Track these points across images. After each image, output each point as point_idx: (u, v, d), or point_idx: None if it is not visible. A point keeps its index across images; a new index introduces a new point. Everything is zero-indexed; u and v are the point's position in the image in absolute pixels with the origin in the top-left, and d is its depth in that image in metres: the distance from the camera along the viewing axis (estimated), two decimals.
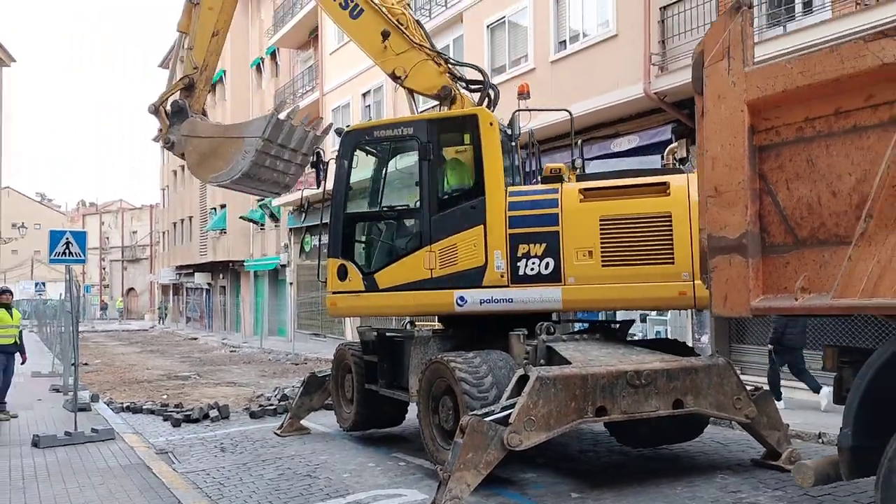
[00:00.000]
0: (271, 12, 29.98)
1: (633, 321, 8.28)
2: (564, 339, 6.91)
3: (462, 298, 7.09)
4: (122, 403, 12.16)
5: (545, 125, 10.90)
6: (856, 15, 8.71)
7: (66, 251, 12.11)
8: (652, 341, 7.92)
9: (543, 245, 6.93)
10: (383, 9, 8.35)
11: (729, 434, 8.35)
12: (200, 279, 39.78)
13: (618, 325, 7.83)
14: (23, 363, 11.76)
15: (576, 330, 7.73)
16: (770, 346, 9.19)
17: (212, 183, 8.87)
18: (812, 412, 8.90)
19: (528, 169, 8.72)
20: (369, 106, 21.68)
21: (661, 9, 11.38)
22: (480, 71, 8.72)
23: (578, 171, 7.56)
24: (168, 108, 9.01)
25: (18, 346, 11.26)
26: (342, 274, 7.72)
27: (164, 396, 13.07)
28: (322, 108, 24.13)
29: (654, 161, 11.08)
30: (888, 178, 3.49)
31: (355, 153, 7.88)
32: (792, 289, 3.91)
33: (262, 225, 31.61)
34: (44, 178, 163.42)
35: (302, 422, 9.42)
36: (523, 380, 5.89)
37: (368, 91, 21.66)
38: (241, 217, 32.09)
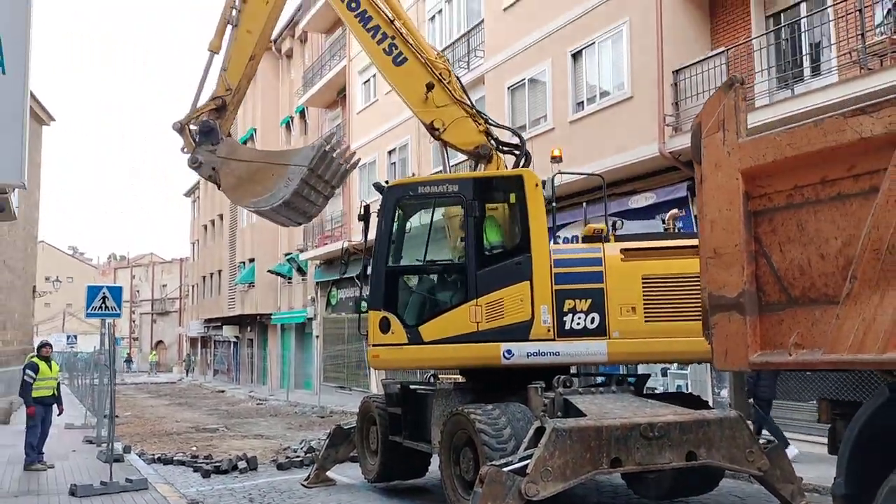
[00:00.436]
0: (301, 72, 31.22)
1: (649, 375, 8.49)
2: (581, 392, 7.15)
3: (509, 352, 7.36)
4: (153, 455, 12.49)
5: (560, 184, 11.29)
6: (860, 79, 9.06)
7: (103, 305, 12.68)
8: (667, 395, 8.09)
9: (589, 301, 7.42)
10: (427, 61, 8.73)
11: (746, 488, 8.42)
12: (228, 332, 40.38)
13: (635, 379, 8.06)
14: (59, 414, 12.18)
15: (593, 383, 7.94)
16: (750, 399, 9.33)
17: (249, 208, 8.70)
18: (827, 465, 8.92)
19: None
20: (395, 163, 22.36)
21: (673, 72, 11.86)
22: (518, 136, 9.10)
23: (616, 231, 8.15)
24: (192, 126, 8.81)
25: (56, 398, 11.71)
26: (385, 326, 7.71)
27: (194, 448, 13.37)
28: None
29: (656, 225, 11.42)
30: (869, 242, 3.78)
31: (397, 208, 8.06)
32: (786, 344, 4.18)
33: (290, 279, 32.22)
34: (75, 231, 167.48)
35: (328, 473, 9.65)
36: (540, 431, 6.12)
37: (394, 149, 22.37)
38: (268, 270, 32.78)
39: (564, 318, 7.39)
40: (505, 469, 5.89)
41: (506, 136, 9.32)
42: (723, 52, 11.23)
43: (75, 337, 41.42)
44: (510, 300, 7.42)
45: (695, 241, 7.14)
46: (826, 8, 10.18)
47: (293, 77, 33.02)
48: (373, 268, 8.01)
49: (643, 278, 7.42)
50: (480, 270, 7.55)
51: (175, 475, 10.77)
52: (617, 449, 6.13)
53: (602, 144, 13.14)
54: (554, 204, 8.61)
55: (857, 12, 9.34)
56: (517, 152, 8.99)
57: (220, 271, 40.47)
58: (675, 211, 9.52)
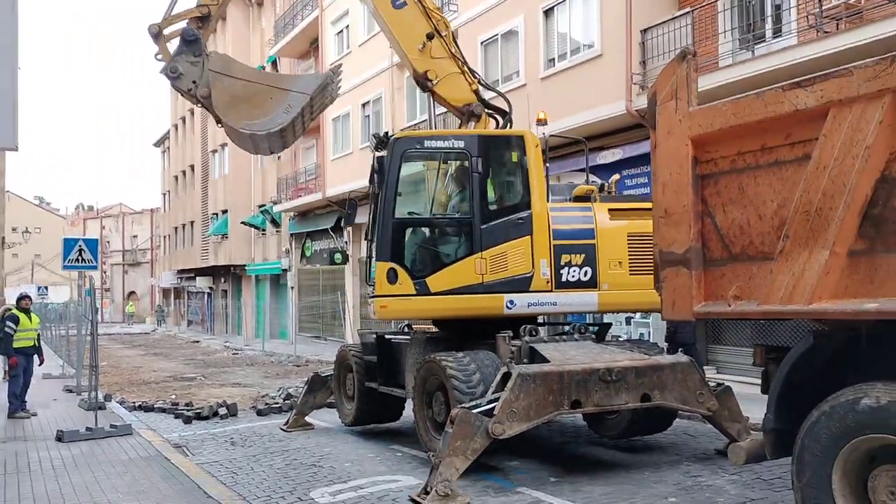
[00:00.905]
0: (272, 21, 30.74)
1: (610, 324, 9.01)
2: (546, 340, 7.62)
3: (511, 302, 7.83)
4: (134, 403, 12.86)
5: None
6: (817, 42, 9.44)
7: (79, 258, 12.84)
8: (626, 342, 8.60)
9: (582, 256, 8.03)
10: (427, 10, 8.69)
11: (699, 427, 9.05)
12: (202, 283, 40.49)
13: (597, 328, 8.58)
14: (40, 364, 12.48)
15: (558, 332, 8.44)
16: (666, 342, 9.90)
17: (244, 129, 8.01)
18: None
19: None
20: (368, 116, 22.42)
21: (641, 31, 12.13)
22: (506, 100, 9.15)
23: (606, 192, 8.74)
24: (166, 33, 8.10)
25: (37, 349, 11.98)
26: (392, 277, 7.79)
27: (173, 396, 13.76)
28: (322, 118, 24.83)
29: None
30: (801, 204, 4.20)
31: (402, 160, 8.01)
32: (727, 297, 4.62)
33: (264, 230, 32.33)
34: (42, 181, 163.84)
35: (306, 418, 10.12)
36: (507, 376, 6.60)
37: (368, 102, 22.40)
38: (242, 222, 32.83)
39: (561, 272, 7.96)
40: (474, 411, 6.37)
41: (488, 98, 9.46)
42: (688, 12, 11.51)
43: (46, 288, 41.31)
44: (513, 254, 7.86)
45: None
46: None
47: (264, 26, 32.49)
48: (380, 219, 7.99)
49: (628, 235, 8.08)
50: (485, 225, 7.88)
51: (157, 422, 11.17)
52: (577, 391, 6.65)
53: (573, 101, 13.43)
54: (548, 165, 8.86)
55: None
56: (498, 117, 9.15)
57: (192, 222, 40.35)
58: (616, 176, 10.01)
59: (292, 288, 29.12)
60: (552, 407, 6.56)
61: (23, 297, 12.22)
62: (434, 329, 8.89)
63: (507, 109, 9.10)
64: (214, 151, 36.22)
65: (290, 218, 29.03)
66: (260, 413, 11.43)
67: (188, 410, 11.52)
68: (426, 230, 8.30)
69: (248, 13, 34.30)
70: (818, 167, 4.11)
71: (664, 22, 11.85)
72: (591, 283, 8.05)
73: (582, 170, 13.22)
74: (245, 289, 35.31)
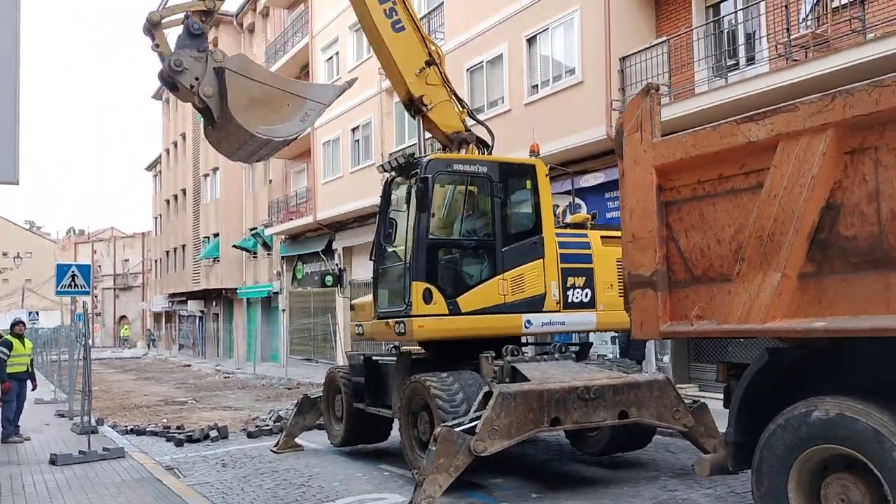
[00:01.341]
0: (263, 48, 31.19)
1: (591, 343, 9.28)
2: (527, 360, 7.88)
3: (529, 321, 8.22)
4: (126, 426, 12.98)
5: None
6: (786, 70, 9.82)
7: (72, 283, 13.03)
8: (605, 361, 8.84)
9: (584, 278, 8.57)
10: (424, 37, 8.96)
11: (679, 443, 9.28)
12: (193, 307, 40.54)
13: (578, 347, 8.85)
14: (33, 389, 12.60)
15: (540, 352, 8.69)
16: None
17: (259, 134, 7.60)
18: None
19: None
20: (358, 141, 22.75)
21: (620, 59, 12.53)
22: (489, 131, 9.45)
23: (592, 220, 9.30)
24: (163, 23, 7.57)
25: (30, 374, 12.12)
26: (428, 297, 7.89)
27: (165, 420, 13.88)
28: (312, 142, 25.21)
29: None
30: (755, 230, 4.50)
31: (434, 182, 8.17)
32: (690, 316, 4.90)
33: (255, 253, 32.52)
34: (33, 205, 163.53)
35: (296, 440, 10.29)
36: (488, 395, 6.83)
37: (357, 126, 22.75)
38: (234, 245, 33.01)
39: (567, 293, 8.46)
40: (456, 429, 6.60)
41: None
42: (665, 41, 11.92)
43: (37, 313, 41.25)
44: (529, 276, 8.26)
45: None
46: (759, 2, 10.91)
47: (255, 52, 32.91)
48: (415, 239, 8.05)
49: (617, 261, 8.42)
50: (505, 248, 8.26)
51: (149, 445, 11.30)
52: (556, 409, 6.89)
53: (555, 126, 13.79)
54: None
55: (784, 7, 10.07)
56: (481, 147, 9.41)
57: (183, 246, 40.48)
58: (565, 204, 10.57)
59: (283, 311, 29.27)
60: (532, 424, 6.79)
61: (16, 323, 12.39)
62: (420, 350, 9.12)
63: (490, 139, 9.41)
64: (206, 175, 36.51)
65: (282, 241, 29.25)
66: (250, 435, 11.59)
67: (180, 433, 11.66)
68: (457, 251, 8.46)
69: (240, 39, 34.78)
70: (770, 195, 4.41)
71: (642, 50, 12.25)
72: (591, 304, 8.63)
73: (568, 192, 13.64)
74: (236, 312, 35.41)
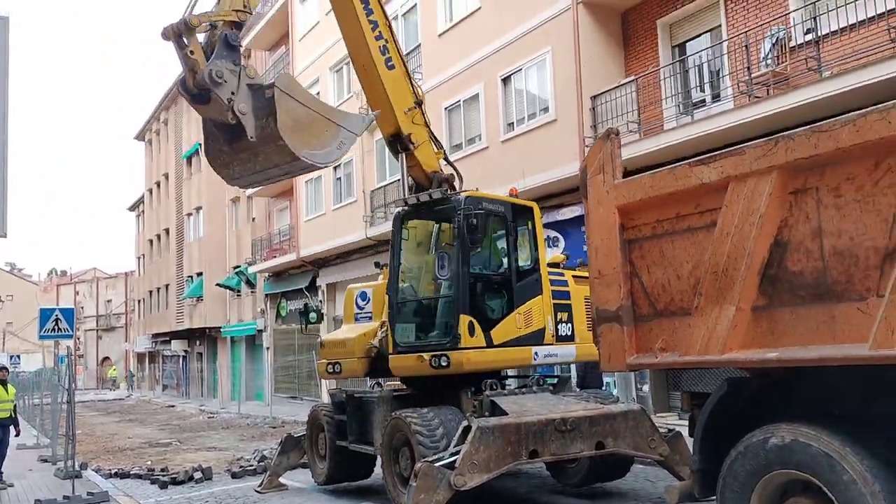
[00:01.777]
0: None
1: (569, 377, 9.50)
2: (506, 394, 8.05)
3: (536, 353, 8.58)
4: (110, 470, 12.92)
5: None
6: (748, 107, 10.23)
7: (56, 327, 13.06)
8: (581, 392, 9.03)
9: (567, 313, 9.02)
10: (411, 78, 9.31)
11: (659, 472, 9.43)
12: (177, 346, 40.27)
13: (556, 380, 9.05)
14: (17, 435, 12.56)
15: (519, 385, 8.87)
16: (577, 388, 10.41)
17: (305, 158, 7.33)
18: None
19: None
20: (340, 179, 23.04)
21: (591, 98, 12.94)
22: (459, 174, 9.78)
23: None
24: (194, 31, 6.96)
25: (13, 419, 12.09)
26: (472, 330, 8.12)
27: (149, 462, 13.83)
28: (295, 180, 25.43)
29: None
30: (710, 266, 4.75)
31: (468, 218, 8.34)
32: (654, 349, 5.13)
33: (239, 291, 32.51)
34: (13, 247, 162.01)
35: (280, 479, 10.32)
36: (467, 430, 6.98)
37: (339, 165, 23.02)
38: (217, 284, 32.98)
39: (557, 327, 8.83)
40: (436, 464, 6.73)
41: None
42: (633, 80, 12.35)
43: (18, 357, 40.73)
44: (535, 310, 8.61)
45: None
46: (722, 42, 11.37)
47: None
48: (461, 274, 8.27)
49: (585, 298, 8.92)
50: (518, 283, 8.62)
51: (133, 488, 11.28)
52: (534, 442, 7.04)
53: (532, 162, 14.15)
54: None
55: (745, 48, 10.53)
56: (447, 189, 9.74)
57: (167, 286, 40.36)
58: (565, 254, 10.93)
59: (268, 348, 29.21)
60: (511, 457, 6.94)
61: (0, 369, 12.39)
62: (402, 386, 9.27)
63: (460, 182, 9.72)
64: (189, 215, 36.60)
65: (265, 278, 29.32)
66: (235, 476, 11.60)
67: (164, 476, 11.65)
68: (487, 286, 8.66)
69: None
70: (722, 233, 4.67)
71: (611, 89, 12.66)
72: (572, 338, 9.02)
73: (546, 225, 13.98)
74: (220, 351, 35.23)
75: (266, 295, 29.38)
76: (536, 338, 8.57)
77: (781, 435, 4.32)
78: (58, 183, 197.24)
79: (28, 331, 55.11)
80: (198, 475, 11.51)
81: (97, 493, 9.79)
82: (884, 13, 9.16)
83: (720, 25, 11.81)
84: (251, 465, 12.13)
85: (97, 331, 64.92)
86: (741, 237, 4.55)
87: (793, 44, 10.38)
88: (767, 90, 10.38)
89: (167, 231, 40.65)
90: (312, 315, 24.32)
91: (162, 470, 12.38)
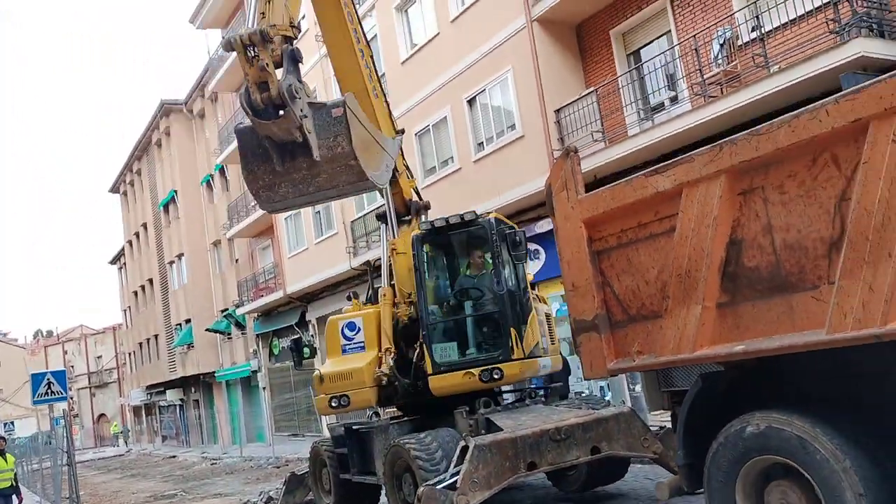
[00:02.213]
0: (215, 132, 31.79)
1: (560, 385, 9.70)
2: (500, 410, 8.25)
3: (543, 366, 9.05)
4: None
5: None
6: (704, 107, 10.59)
7: (49, 391, 13.12)
8: (574, 400, 9.23)
9: (545, 328, 9.51)
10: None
11: (659, 471, 9.62)
12: (172, 396, 40.03)
13: (548, 390, 9.27)
14: (20, 503, 12.54)
15: (511, 400, 9.07)
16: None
17: (370, 178, 7.29)
18: None
19: None
20: (318, 212, 23.22)
21: (555, 111, 13.27)
22: (428, 206, 10.15)
23: None
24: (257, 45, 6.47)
25: (15, 488, 12.10)
26: (518, 342, 8.55)
27: None
28: (274, 218, 25.59)
29: None
30: (674, 269, 4.99)
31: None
32: (631, 353, 5.36)
33: (229, 334, 32.47)
34: None
35: None
36: (465, 449, 7.15)
37: None
38: (207, 329, 32.92)
39: (542, 340, 9.19)
40: (438, 487, 6.90)
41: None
42: (593, 91, 12.70)
43: (12, 423, 40.39)
44: (533, 325, 8.95)
45: None
46: (673, 46, 11.76)
47: (208, 136, 33.53)
48: (507, 289, 8.66)
49: (546, 315, 9.56)
50: (524, 299, 9.00)
51: None
52: (531, 454, 7.23)
53: (504, 179, 14.44)
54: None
55: (695, 51, 10.90)
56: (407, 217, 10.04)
57: (156, 336, 40.18)
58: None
59: (264, 388, 29.17)
60: (510, 472, 7.12)
61: None
62: (398, 413, 9.43)
63: (426, 211, 10.08)
64: (171, 263, 36.59)
65: (255, 319, 29.34)
66: None
67: None
68: (515, 301, 8.86)
69: (192, 125, 35.39)
70: (681, 237, 4.93)
71: (573, 101, 13.01)
72: (547, 350, 9.34)
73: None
74: (217, 396, 35.09)
75: (257, 335, 29.39)
76: (536, 350, 8.92)
77: (756, 423, 4.55)
78: (35, 242, 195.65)
79: (19, 396, 54.49)
80: None
81: None
82: (820, 6, 9.55)
83: (670, 31, 12.20)
84: None
85: (90, 388, 64.29)
86: (699, 239, 4.80)
87: (741, 42, 10.76)
88: (721, 89, 10.74)
89: (151, 281, 40.56)
90: (306, 350, 24.34)
91: None
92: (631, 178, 5.35)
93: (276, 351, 28.44)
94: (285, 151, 6.93)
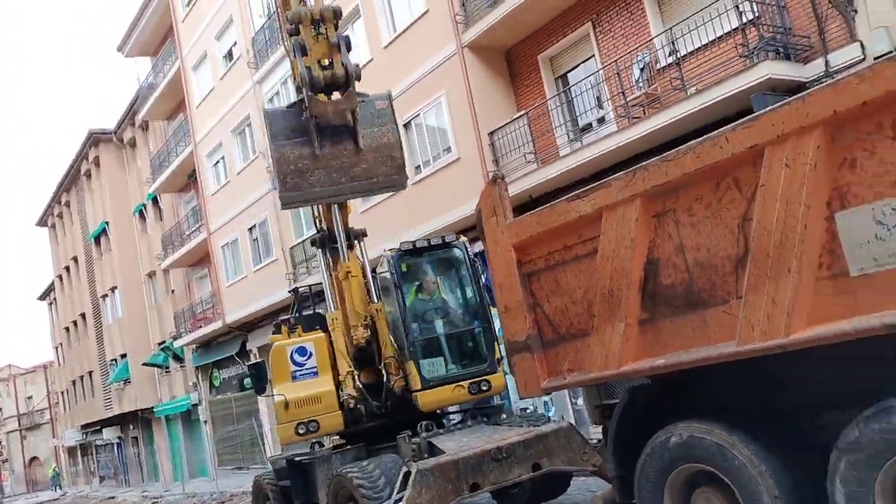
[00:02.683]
0: (147, 160, 31.17)
1: (502, 405, 9.86)
2: (442, 433, 8.34)
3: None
4: None
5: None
6: (628, 129, 11.02)
7: None
8: (516, 418, 9.39)
9: None
10: None
11: (602, 483, 9.86)
12: (110, 434, 38.65)
13: (491, 409, 9.40)
14: None
15: (454, 422, 9.17)
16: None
17: (406, 174, 7.71)
18: None
19: None
20: (256, 239, 23.00)
21: (488, 134, 13.58)
22: (364, 236, 10.20)
23: None
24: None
25: None
26: (500, 354, 8.93)
27: None
28: (211, 246, 25.23)
29: None
30: (598, 289, 5.23)
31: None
32: (563, 371, 5.56)
33: (167, 368, 31.64)
34: None
35: None
36: (407, 474, 7.21)
37: (254, 226, 23.03)
38: (143, 364, 32.00)
39: None
40: None
41: None
42: (524, 114, 13.06)
43: None
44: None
45: None
46: (598, 70, 12.22)
47: (140, 165, 32.84)
48: (482, 305, 9.21)
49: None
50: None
51: None
52: (474, 475, 7.32)
53: (444, 201, 14.62)
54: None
55: (617, 75, 11.37)
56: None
57: (90, 372, 38.79)
58: None
59: (205, 422, 28.47)
60: (453, 494, 7.18)
61: None
62: (341, 442, 9.41)
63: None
64: (105, 296, 35.48)
65: (193, 350, 28.70)
66: None
67: None
68: (492, 317, 9.19)
69: (122, 154, 34.61)
70: (603, 258, 5.17)
71: (505, 124, 13.33)
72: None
73: None
74: (156, 432, 34.06)
75: (196, 367, 28.73)
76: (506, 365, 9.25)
77: (679, 433, 4.79)
78: None
79: None
80: None
81: None
82: (730, 31, 10.11)
83: (594, 55, 12.67)
84: None
85: (20, 431, 61.44)
86: (619, 260, 5.05)
87: (659, 66, 11.27)
88: (644, 111, 11.21)
89: (83, 316, 39.22)
90: (247, 381, 24.00)
91: None
92: (554, 203, 5.59)
93: (216, 383, 27.87)
94: (326, 136, 6.82)
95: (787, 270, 4.09)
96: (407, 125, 15.82)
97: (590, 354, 5.29)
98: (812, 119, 3.99)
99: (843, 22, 9.57)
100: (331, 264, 9.83)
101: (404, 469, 7.36)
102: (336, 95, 7.51)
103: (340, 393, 8.93)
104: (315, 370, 9.25)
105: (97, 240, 35.99)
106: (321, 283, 10.04)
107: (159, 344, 31.63)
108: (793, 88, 9.29)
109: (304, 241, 19.90)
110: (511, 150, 13.19)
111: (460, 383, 8.80)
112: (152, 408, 32.86)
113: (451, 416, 9.92)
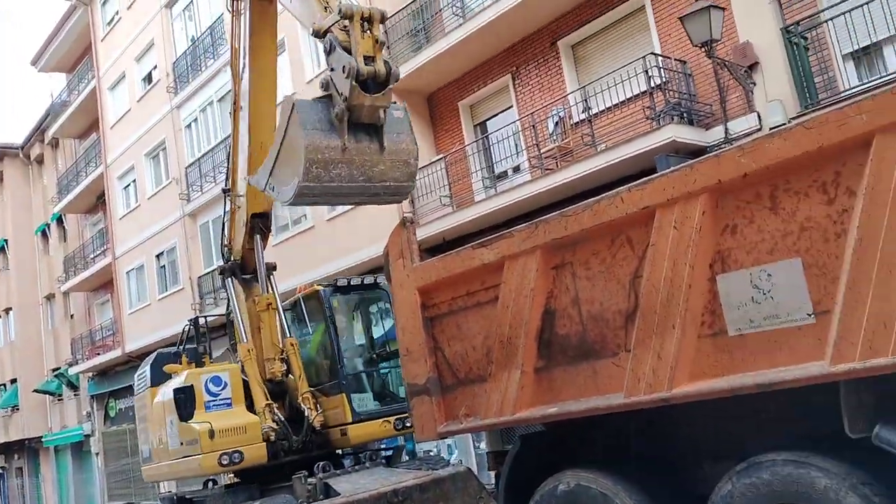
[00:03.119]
0: (54, 178, 29.82)
1: (403, 446, 9.80)
2: (339, 474, 8.20)
3: None
4: None
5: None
6: (541, 179, 11.38)
7: None
8: (415, 461, 9.38)
9: None
10: None
11: None
12: None
13: (391, 452, 9.32)
14: None
15: (353, 464, 9.04)
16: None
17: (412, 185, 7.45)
18: None
19: None
20: (164, 266, 22.25)
21: None
22: (274, 269, 9.97)
23: None
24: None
25: None
26: None
27: None
28: (115, 271, 24.23)
29: None
30: (497, 335, 5.32)
31: None
32: (459, 416, 5.59)
33: (60, 396, 29.90)
34: None
35: None
36: None
37: (162, 252, 22.29)
38: (35, 390, 30.15)
39: None
40: None
41: None
42: (442, 158, 13.28)
43: None
44: None
45: None
46: (514, 121, 12.61)
47: (46, 183, 31.38)
48: None
49: None
50: None
51: None
52: None
53: (358, 237, 14.60)
54: None
55: (532, 127, 11.76)
56: None
57: None
58: None
59: (97, 454, 26.97)
60: None
61: None
62: (236, 480, 9.11)
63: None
64: None
65: (89, 379, 27.27)
66: None
67: None
68: None
69: (28, 171, 33.03)
70: (503, 306, 5.28)
71: (424, 167, 13.48)
72: None
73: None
74: (44, 463, 31.98)
75: (91, 396, 27.29)
76: None
77: (567, 481, 4.89)
78: None
79: None
80: None
81: None
82: (639, 94, 10.65)
83: (513, 106, 13.08)
84: None
85: None
86: (518, 308, 5.16)
87: (573, 121, 11.73)
88: (556, 162, 11.60)
89: None
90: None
91: None
92: (460, 250, 5.68)
93: (112, 413, 26.51)
94: (353, 132, 6.84)
95: (672, 327, 4.29)
96: None
97: (486, 400, 5.35)
98: (698, 186, 4.24)
99: (744, 93, 10.25)
100: (242, 295, 9.60)
101: None
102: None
103: (263, 425, 8.67)
104: (229, 401, 8.98)
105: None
106: (220, 316, 9.85)
107: (53, 370, 29.93)
108: (694, 151, 9.85)
109: (212, 272, 19.40)
110: (428, 192, 13.35)
111: (387, 419, 8.94)
112: (41, 437, 30.89)
113: (349, 458, 9.75)
